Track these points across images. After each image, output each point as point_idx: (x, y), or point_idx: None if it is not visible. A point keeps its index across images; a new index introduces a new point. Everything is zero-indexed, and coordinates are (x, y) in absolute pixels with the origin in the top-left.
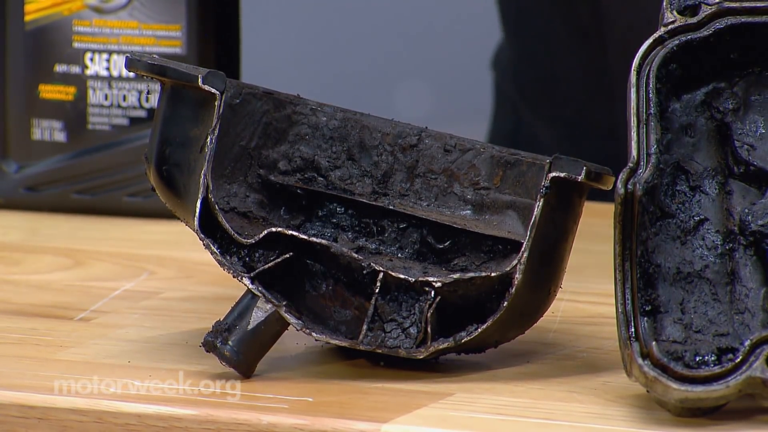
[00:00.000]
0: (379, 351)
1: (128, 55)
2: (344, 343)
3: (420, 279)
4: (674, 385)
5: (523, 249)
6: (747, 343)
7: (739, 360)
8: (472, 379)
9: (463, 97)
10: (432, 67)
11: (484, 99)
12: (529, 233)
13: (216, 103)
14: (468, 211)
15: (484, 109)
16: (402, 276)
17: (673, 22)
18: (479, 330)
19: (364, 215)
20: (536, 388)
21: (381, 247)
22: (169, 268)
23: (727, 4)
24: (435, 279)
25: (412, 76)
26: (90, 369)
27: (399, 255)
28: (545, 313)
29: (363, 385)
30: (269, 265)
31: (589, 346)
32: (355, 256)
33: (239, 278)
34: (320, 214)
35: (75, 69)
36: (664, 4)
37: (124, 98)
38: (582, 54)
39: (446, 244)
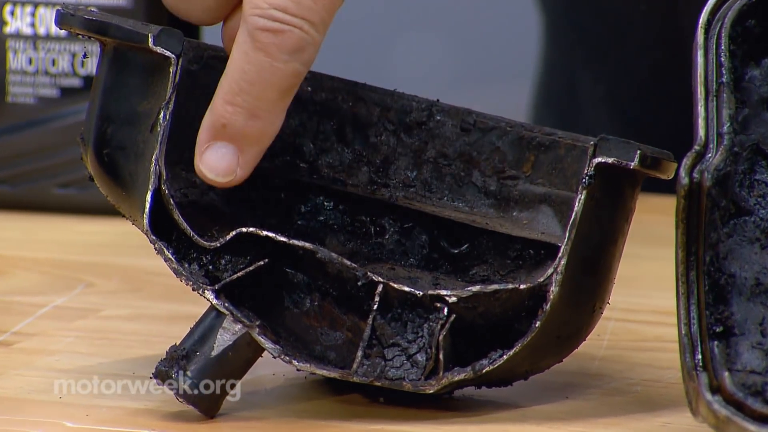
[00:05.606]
0: (378, 384)
1: (59, 8)
2: (334, 374)
3: (430, 293)
4: (752, 427)
5: (560, 254)
6: None
7: None
8: (495, 419)
9: (487, 57)
10: (449, 17)
11: (516, 60)
12: (567, 234)
13: (171, 70)
14: (491, 207)
15: (518, 72)
16: (407, 289)
17: None
18: (505, 357)
19: (359, 212)
20: (577, 430)
21: (380, 253)
22: (110, 278)
23: None
24: (449, 293)
25: (421, 29)
26: (11, 407)
27: (403, 262)
28: (588, 336)
29: (357, 426)
30: (239, 274)
31: (643, 377)
32: (348, 263)
33: (200, 291)
34: (303, 210)
35: None
36: None
37: (54, 63)
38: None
39: (463, 248)
